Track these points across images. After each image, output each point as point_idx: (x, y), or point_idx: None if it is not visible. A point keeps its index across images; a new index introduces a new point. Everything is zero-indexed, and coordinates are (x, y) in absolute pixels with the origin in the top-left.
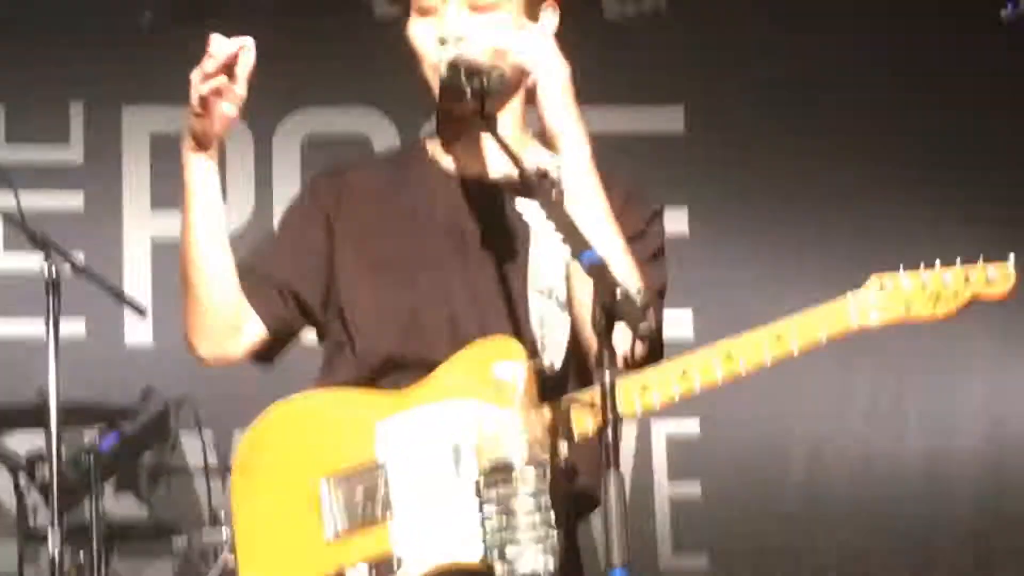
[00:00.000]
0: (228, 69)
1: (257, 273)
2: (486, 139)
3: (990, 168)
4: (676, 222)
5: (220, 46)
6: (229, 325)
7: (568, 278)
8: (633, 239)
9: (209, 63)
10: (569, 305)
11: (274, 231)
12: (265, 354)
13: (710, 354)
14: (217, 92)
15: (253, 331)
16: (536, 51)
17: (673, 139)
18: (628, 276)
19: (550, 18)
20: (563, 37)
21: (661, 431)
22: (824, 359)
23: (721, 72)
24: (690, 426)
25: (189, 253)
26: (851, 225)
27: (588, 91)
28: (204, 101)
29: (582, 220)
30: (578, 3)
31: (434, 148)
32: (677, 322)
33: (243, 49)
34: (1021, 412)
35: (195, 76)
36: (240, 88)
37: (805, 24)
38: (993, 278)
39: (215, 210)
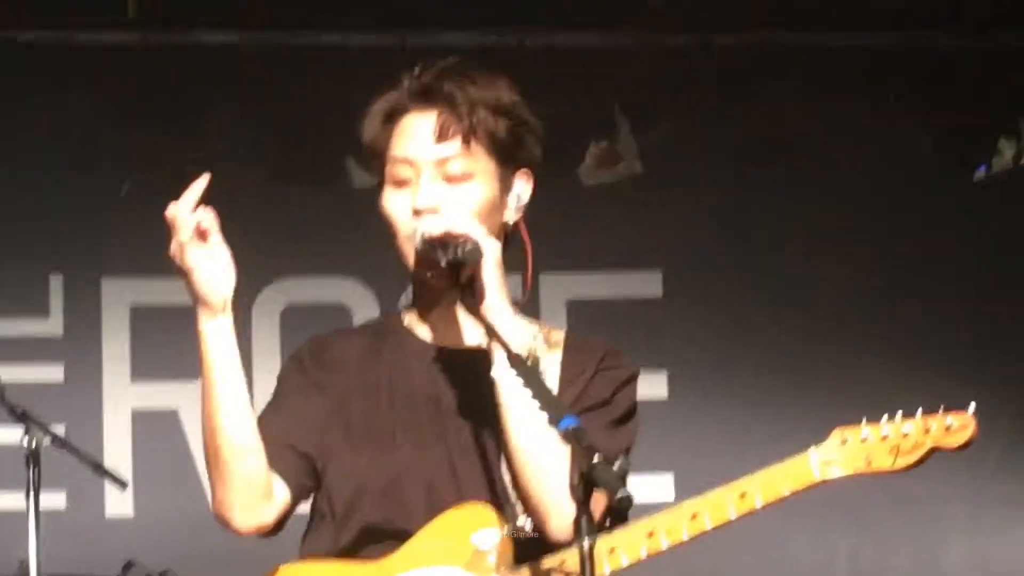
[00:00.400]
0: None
1: (279, 441)
2: (460, 308)
3: (954, 321)
4: (655, 386)
5: (175, 209)
6: (262, 493)
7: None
8: (596, 407)
9: (177, 225)
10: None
11: (275, 400)
12: (283, 522)
13: (676, 514)
14: (193, 241)
15: (281, 497)
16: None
17: (652, 303)
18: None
19: (523, 186)
20: (540, 203)
21: None
22: (804, 520)
23: (698, 236)
24: None
25: (213, 423)
26: (827, 383)
27: (567, 257)
28: (183, 259)
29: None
30: (553, 170)
31: (411, 318)
32: (657, 486)
33: (199, 211)
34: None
35: (172, 245)
36: (212, 237)
37: (778, 188)
38: (953, 427)
39: (233, 374)
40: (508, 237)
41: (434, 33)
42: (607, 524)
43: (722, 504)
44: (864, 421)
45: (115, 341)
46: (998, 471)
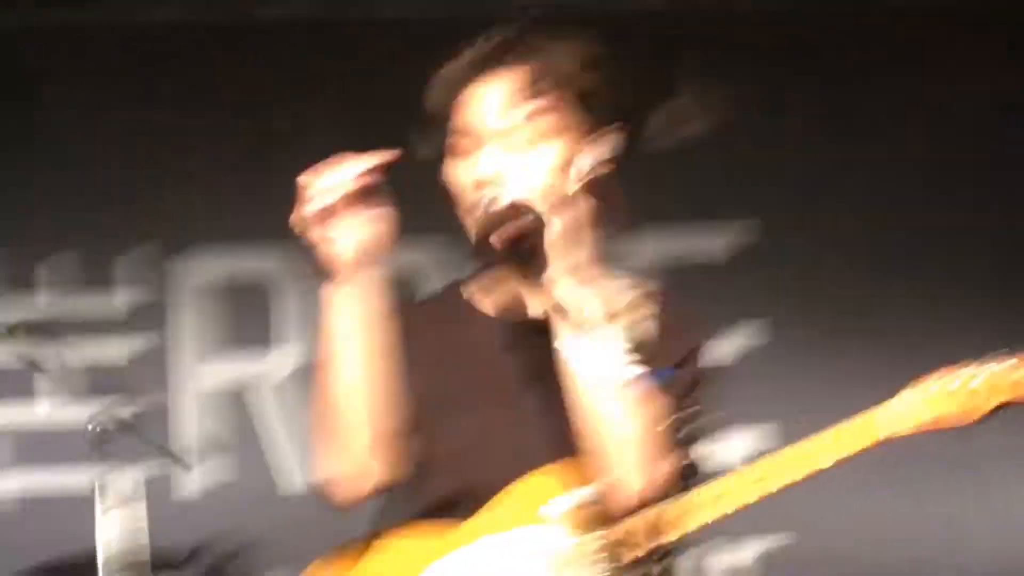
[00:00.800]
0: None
1: None
2: (522, 280)
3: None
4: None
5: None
6: (369, 465)
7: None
8: (678, 366)
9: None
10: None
11: None
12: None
13: (742, 478)
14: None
15: (377, 468)
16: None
17: (747, 251)
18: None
19: (602, 147)
20: (634, 159)
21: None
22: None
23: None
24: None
25: (335, 392)
26: (920, 332)
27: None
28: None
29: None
30: (642, 126)
31: (472, 290)
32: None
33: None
34: None
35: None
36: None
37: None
38: (1021, 378)
39: (354, 343)
40: (602, 194)
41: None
42: (682, 483)
43: (790, 465)
44: (937, 373)
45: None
46: None
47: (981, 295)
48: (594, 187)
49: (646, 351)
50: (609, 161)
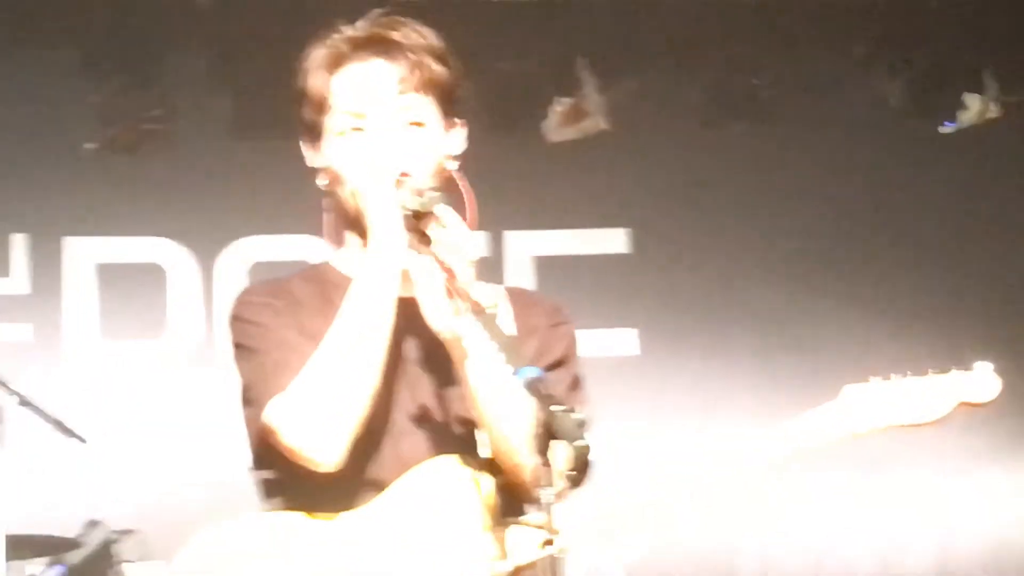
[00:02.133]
0: None
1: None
2: (411, 261)
3: (925, 285)
4: (627, 343)
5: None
6: (347, 438)
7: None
8: (555, 365)
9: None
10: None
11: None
12: None
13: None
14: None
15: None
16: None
17: (619, 259)
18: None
19: (461, 137)
20: (504, 160)
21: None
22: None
23: (665, 193)
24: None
25: (356, 372)
26: (796, 338)
27: (533, 214)
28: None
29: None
30: (519, 126)
31: (349, 267)
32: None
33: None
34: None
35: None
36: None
37: (745, 143)
38: (972, 383)
39: (382, 332)
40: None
41: None
42: (573, 473)
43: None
44: (890, 376)
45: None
46: None
47: (846, 302)
48: (450, 180)
49: (509, 348)
50: (458, 156)
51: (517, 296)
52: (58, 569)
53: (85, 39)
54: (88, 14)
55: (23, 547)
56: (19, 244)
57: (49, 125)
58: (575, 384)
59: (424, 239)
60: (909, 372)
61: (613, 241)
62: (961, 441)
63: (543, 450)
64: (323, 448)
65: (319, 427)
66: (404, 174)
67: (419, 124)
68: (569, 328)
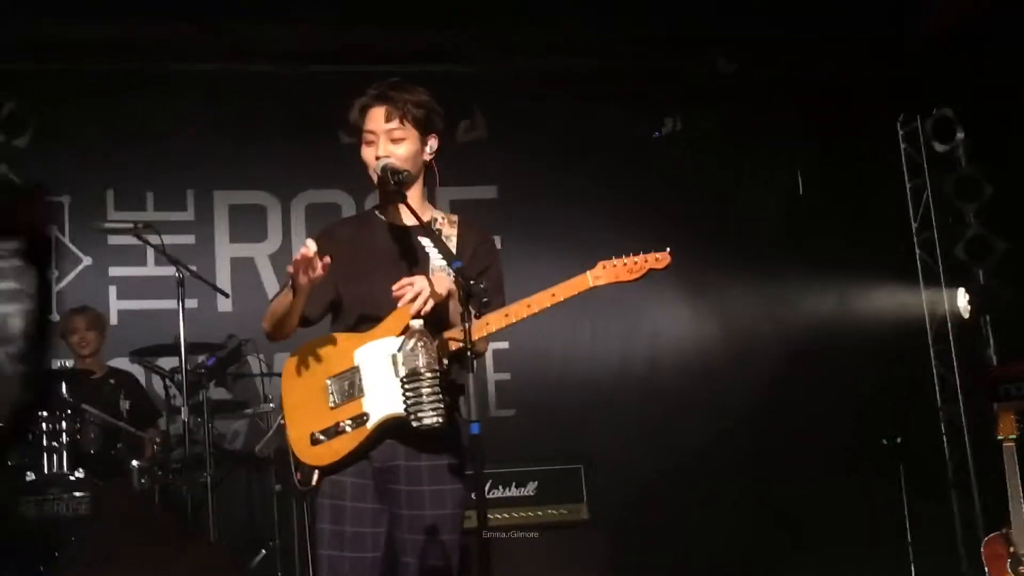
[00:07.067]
0: (309, 261)
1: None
2: (402, 206)
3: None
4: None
5: (304, 252)
6: (290, 331)
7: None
8: (485, 271)
9: (300, 257)
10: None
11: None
12: (308, 324)
13: (518, 305)
14: (302, 268)
15: (294, 324)
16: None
17: (491, 203)
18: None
19: (432, 143)
20: (442, 151)
21: (492, 378)
22: (572, 313)
23: (524, 161)
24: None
25: (282, 313)
26: (588, 234)
27: (451, 177)
28: (296, 269)
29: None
30: (447, 135)
31: (378, 211)
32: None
33: (308, 251)
34: (665, 338)
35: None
36: (314, 270)
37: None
38: (659, 259)
39: (299, 303)
40: (428, 168)
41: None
42: (477, 314)
43: (542, 299)
44: (613, 258)
45: (222, 223)
46: None
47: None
48: (426, 169)
49: (448, 255)
50: (433, 153)
51: (461, 222)
52: (212, 359)
53: None
54: None
55: (197, 349)
56: (190, 197)
57: None
58: (498, 278)
59: (403, 196)
60: (625, 255)
61: (486, 192)
62: (652, 287)
63: (465, 301)
64: (272, 334)
65: (270, 330)
66: (389, 161)
67: (401, 139)
68: (494, 244)
